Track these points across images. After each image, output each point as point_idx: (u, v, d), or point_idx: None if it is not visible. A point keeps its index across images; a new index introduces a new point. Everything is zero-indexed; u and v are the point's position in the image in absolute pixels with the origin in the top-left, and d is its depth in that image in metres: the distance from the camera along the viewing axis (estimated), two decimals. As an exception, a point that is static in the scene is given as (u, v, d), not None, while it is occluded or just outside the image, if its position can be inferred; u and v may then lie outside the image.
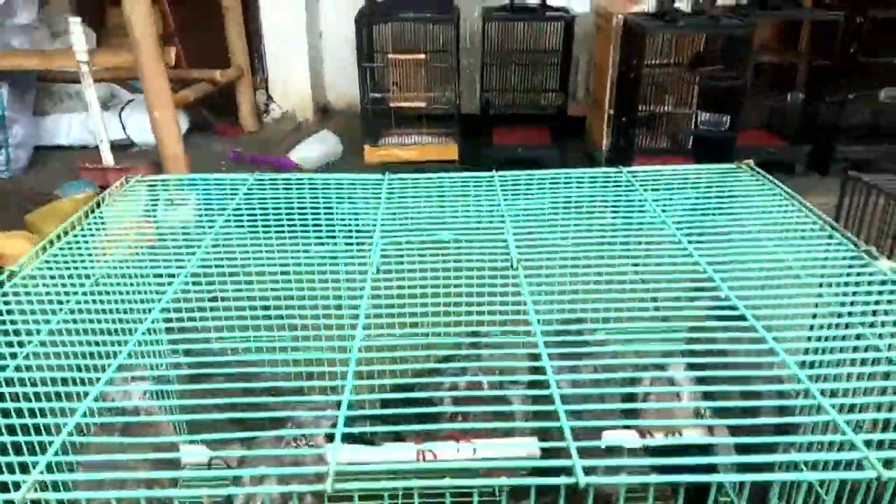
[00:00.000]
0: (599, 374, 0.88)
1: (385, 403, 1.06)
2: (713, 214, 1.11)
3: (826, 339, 0.81)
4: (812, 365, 0.77)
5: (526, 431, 0.92)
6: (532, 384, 0.84)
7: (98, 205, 1.18)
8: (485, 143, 3.61)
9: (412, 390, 1.14)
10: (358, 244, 1.08)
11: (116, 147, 3.43)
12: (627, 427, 0.90)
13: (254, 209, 1.21)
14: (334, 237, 1.15)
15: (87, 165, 3.37)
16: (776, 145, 3.48)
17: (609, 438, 0.80)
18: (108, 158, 3.36)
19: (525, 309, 0.83)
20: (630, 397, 0.96)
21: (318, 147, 3.70)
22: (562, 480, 0.56)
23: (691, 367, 0.92)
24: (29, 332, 0.85)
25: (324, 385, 0.79)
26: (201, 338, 1.00)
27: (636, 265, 1.03)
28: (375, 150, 3.59)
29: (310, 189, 1.25)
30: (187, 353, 0.88)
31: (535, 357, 0.74)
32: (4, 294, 0.90)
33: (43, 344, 0.84)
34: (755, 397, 0.77)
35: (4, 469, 0.58)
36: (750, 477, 0.56)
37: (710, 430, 0.93)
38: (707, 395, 0.86)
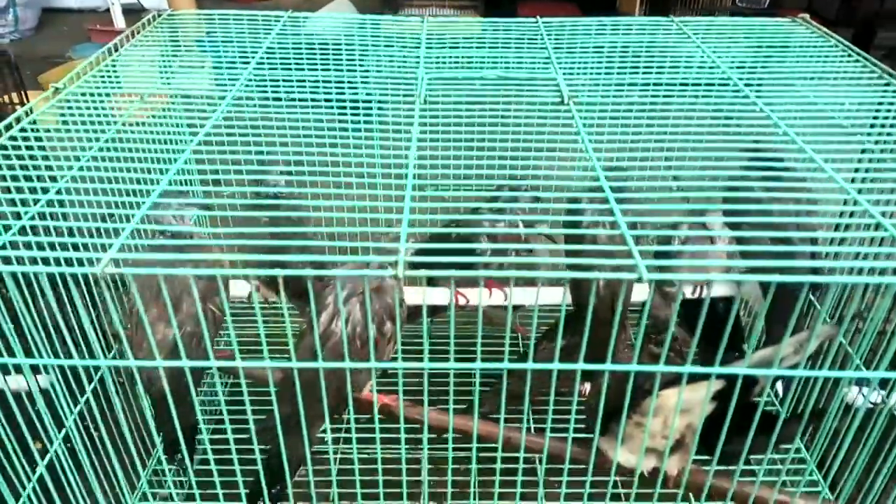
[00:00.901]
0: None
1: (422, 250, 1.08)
2: (769, 61, 1.07)
3: (878, 169, 0.81)
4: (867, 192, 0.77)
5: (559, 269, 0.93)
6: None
7: (130, 37, 1.14)
8: (509, 17, 3.45)
9: (450, 238, 1.16)
10: (401, 79, 1.05)
11: (127, 11, 3.30)
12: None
13: (287, 47, 1.17)
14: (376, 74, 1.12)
15: (99, 28, 3.27)
16: (815, 28, 3.32)
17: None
18: (119, 21, 3.25)
19: (579, 137, 0.82)
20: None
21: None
22: (625, 276, 0.57)
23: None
24: (74, 158, 0.84)
25: (378, 206, 0.80)
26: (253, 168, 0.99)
27: (689, 109, 1.01)
28: (395, 21, 3.45)
29: (346, 28, 1.21)
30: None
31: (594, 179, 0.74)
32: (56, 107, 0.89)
33: (88, 169, 0.82)
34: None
35: (82, 247, 0.60)
36: (834, 279, 0.56)
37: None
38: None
